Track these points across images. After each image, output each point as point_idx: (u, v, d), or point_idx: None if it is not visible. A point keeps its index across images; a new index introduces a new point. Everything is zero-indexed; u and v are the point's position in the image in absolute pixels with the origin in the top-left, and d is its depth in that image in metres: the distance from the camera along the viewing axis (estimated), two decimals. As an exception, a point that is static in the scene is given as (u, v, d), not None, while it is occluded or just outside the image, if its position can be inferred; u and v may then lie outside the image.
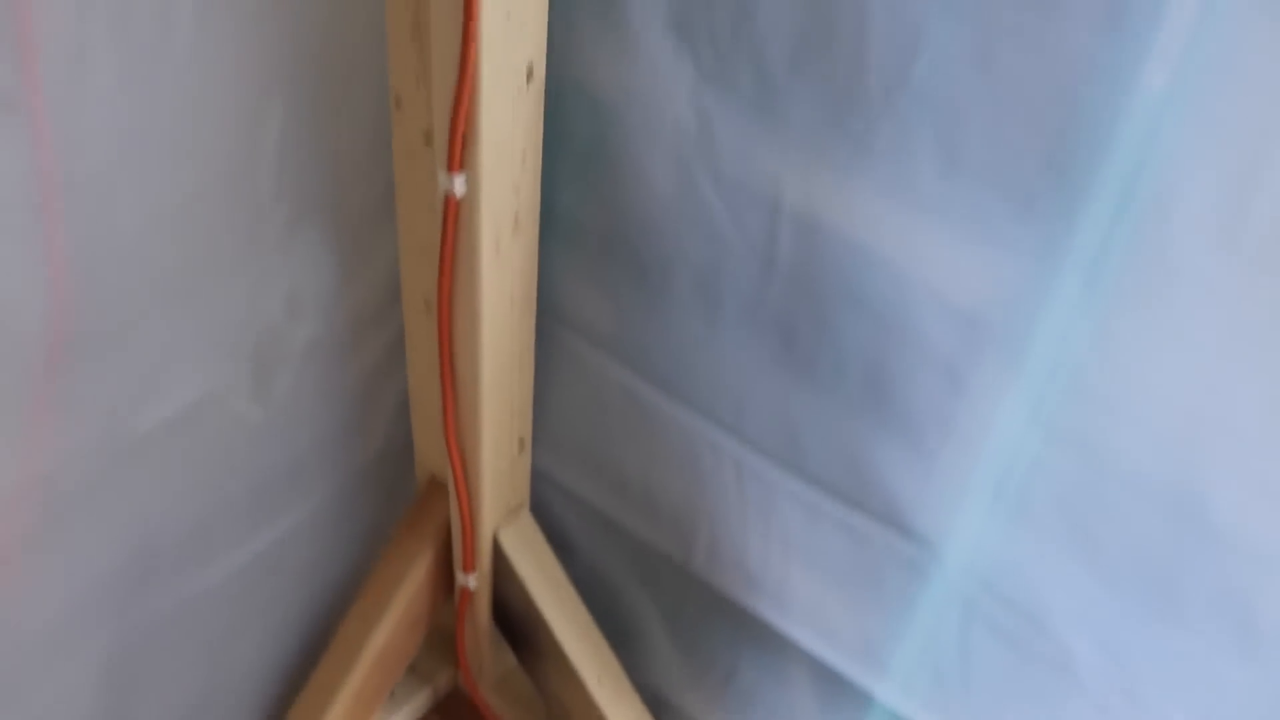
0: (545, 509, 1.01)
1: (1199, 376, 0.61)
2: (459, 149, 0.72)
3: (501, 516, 0.95)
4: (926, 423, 0.72)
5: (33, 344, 0.67)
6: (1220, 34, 0.52)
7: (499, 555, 0.96)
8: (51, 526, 0.74)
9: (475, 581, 0.97)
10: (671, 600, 0.97)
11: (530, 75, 0.72)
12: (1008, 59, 0.58)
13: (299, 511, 0.93)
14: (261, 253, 0.78)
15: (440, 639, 1.09)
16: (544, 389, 0.92)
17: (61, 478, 0.73)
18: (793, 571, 0.86)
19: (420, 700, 1.12)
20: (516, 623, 0.98)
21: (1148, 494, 0.66)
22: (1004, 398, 0.68)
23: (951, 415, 0.71)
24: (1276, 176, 0.54)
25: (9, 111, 0.59)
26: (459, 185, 0.73)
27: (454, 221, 0.75)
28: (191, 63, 0.67)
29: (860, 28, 0.62)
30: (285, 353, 0.84)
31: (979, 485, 0.73)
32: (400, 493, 1.02)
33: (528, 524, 0.97)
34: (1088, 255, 0.61)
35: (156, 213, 0.70)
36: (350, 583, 1.03)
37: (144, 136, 0.67)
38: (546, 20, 0.71)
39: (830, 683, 0.88)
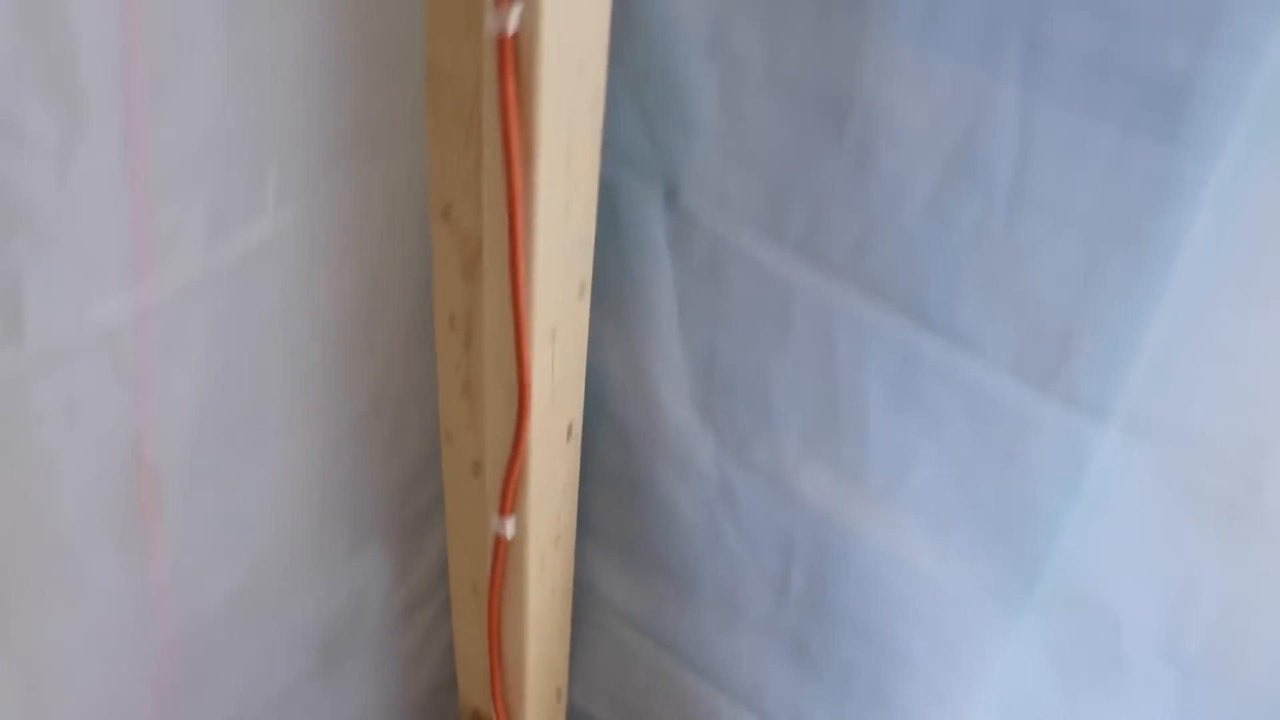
0: (578, 736, 1.11)
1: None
2: (510, 500, 0.82)
3: (540, 753, 1.05)
4: (917, 721, 0.84)
5: (140, 691, 0.77)
6: (1139, 470, 0.63)
7: (538, 784, 1.06)
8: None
9: (517, 806, 1.07)
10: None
11: (570, 432, 0.82)
12: (985, 483, 0.69)
13: (354, 759, 1.04)
14: (331, 568, 0.88)
15: None
16: (579, 646, 1.02)
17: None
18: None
19: None
20: (554, 842, 1.09)
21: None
22: (976, 716, 0.79)
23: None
24: (1210, 599, 0.65)
25: (123, 550, 0.69)
26: (509, 528, 0.83)
27: (504, 549, 0.85)
28: (278, 452, 0.77)
29: (862, 440, 0.72)
30: (349, 640, 0.94)
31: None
32: (445, 725, 1.13)
33: (563, 755, 1.07)
34: (1048, 636, 0.72)
35: (246, 569, 0.80)
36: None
37: (238, 515, 0.77)
38: (583, 387, 0.82)
39: None
